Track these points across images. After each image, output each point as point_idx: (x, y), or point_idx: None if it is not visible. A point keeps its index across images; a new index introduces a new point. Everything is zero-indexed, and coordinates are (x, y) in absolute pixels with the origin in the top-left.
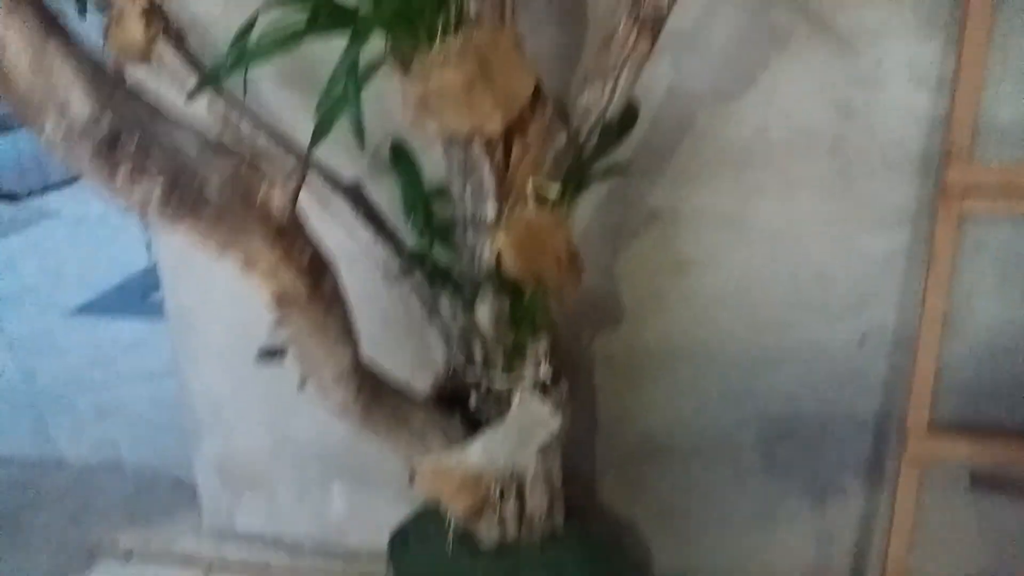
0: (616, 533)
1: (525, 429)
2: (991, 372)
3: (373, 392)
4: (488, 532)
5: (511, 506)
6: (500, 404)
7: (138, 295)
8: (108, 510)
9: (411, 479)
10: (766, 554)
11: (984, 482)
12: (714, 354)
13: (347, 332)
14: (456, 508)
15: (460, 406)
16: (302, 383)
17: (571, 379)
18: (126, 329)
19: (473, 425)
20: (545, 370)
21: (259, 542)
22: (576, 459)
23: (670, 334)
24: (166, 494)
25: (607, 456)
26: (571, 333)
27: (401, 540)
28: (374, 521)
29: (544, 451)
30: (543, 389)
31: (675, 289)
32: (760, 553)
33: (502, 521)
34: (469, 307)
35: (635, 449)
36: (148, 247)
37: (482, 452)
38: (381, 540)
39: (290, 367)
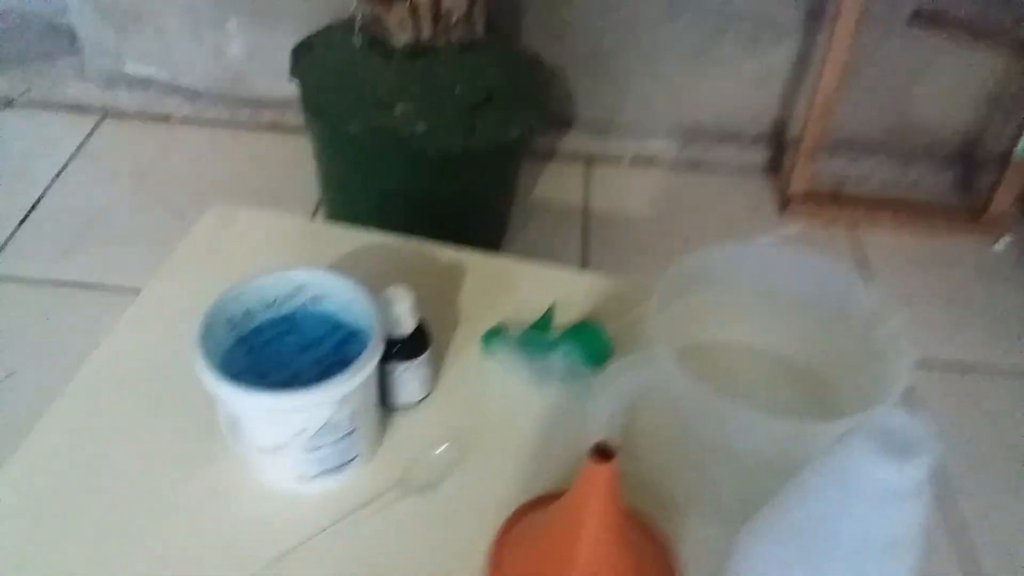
0: (538, 54)
1: None
2: None
3: None
4: (400, 31)
5: None
6: None
7: None
8: None
9: None
10: (692, 100)
11: (926, 18)
12: None
13: None
14: None
15: None
16: None
17: None
18: None
19: None
20: None
21: (154, 89)
22: None
23: None
24: (40, 38)
25: None
26: None
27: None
28: (277, 66)
29: None
30: None
31: None
32: (686, 98)
33: (415, 16)
34: None
35: None
36: None
37: None
38: (287, 87)
39: None
